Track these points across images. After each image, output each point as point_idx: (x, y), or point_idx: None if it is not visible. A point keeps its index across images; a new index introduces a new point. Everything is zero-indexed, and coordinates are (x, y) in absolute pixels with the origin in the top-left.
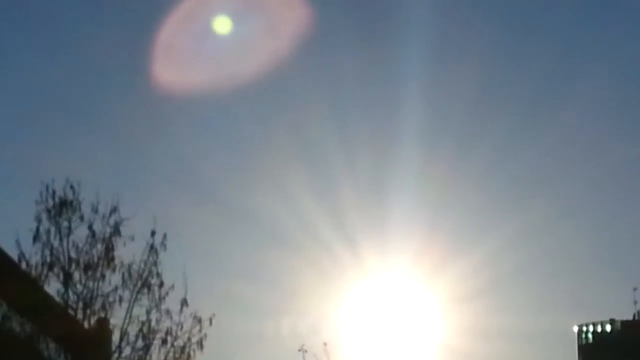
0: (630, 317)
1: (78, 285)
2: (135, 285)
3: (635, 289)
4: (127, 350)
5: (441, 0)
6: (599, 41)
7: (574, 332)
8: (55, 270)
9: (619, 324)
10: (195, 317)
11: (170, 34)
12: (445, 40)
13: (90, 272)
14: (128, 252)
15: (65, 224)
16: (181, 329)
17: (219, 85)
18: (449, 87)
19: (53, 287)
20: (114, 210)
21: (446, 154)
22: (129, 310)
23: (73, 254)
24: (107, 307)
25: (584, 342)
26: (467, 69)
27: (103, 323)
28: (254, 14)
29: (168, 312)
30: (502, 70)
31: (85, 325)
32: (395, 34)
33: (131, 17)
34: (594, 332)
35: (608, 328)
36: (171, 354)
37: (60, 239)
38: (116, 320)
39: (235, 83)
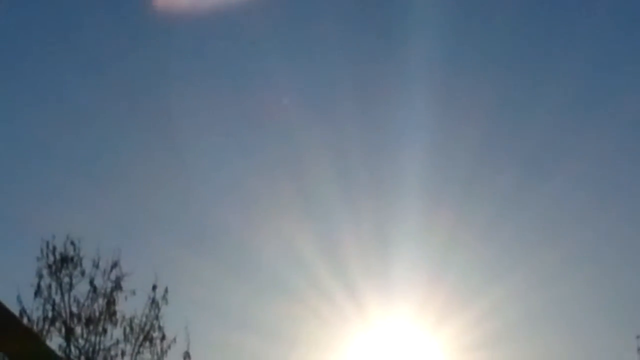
0: None
1: (80, 340)
2: (137, 339)
3: (638, 337)
4: None
5: (447, 43)
6: (608, 90)
7: None
8: (57, 325)
9: None
10: None
11: None
12: (451, 85)
13: (91, 327)
14: (129, 306)
15: (66, 279)
16: None
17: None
18: (454, 134)
19: (55, 342)
20: (115, 265)
21: (451, 203)
22: None
23: (74, 309)
24: None
25: None
26: (472, 117)
27: None
28: None
29: None
30: (508, 118)
31: None
32: (399, 78)
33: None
34: None
35: None
36: None
37: (62, 294)
38: None
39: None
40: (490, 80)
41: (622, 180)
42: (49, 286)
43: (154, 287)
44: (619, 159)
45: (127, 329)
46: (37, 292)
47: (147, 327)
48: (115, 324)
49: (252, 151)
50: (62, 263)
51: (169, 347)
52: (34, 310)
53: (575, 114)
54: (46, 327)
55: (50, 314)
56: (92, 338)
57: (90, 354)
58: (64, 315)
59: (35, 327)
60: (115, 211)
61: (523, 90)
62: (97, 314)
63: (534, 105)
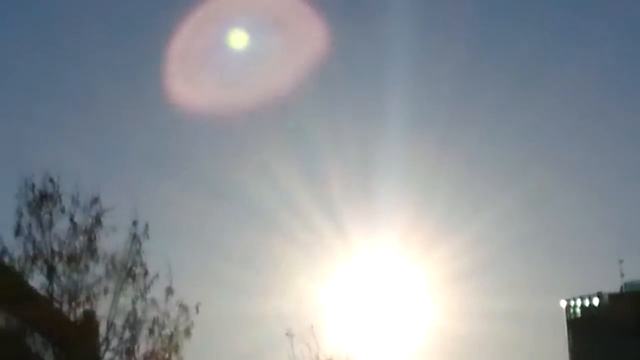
0: (618, 290)
1: (62, 278)
2: (119, 275)
3: (621, 262)
4: (114, 342)
5: None
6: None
7: (562, 308)
8: (39, 263)
9: (607, 298)
10: (181, 306)
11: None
12: (431, 27)
13: (73, 264)
14: (111, 242)
15: (46, 217)
16: (168, 317)
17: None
18: (435, 71)
19: (37, 280)
20: (94, 201)
21: (433, 134)
22: (115, 301)
23: (56, 247)
24: (92, 298)
25: (572, 317)
26: (452, 57)
27: (89, 315)
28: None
29: (154, 301)
30: (485, 58)
31: (71, 317)
32: (381, 13)
33: None
34: (582, 307)
35: (596, 302)
36: (159, 344)
37: (42, 232)
38: (102, 311)
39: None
40: (469, 25)
41: (611, 102)
42: (29, 224)
43: (135, 223)
44: (597, 92)
45: (109, 266)
46: (18, 231)
47: (129, 264)
48: (97, 261)
49: (232, 83)
50: (42, 200)
51: (151, 282)
52: (15, 248)
53: (553, 49)
54: (28, 265)
55: (31, 253)
56: (74, 276)
57: (73, 292)
58: (45, 253)
59: (17, 266)
60: (93, 146)
61: (501, 31)
62: (78, 251)
63: (512, 41)
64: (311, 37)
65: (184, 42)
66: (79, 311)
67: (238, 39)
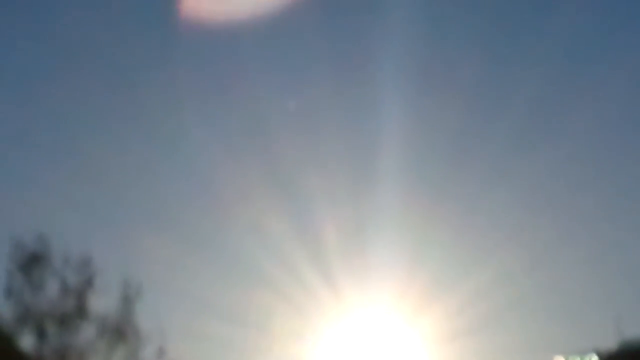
0: (615, 347)
1: (52, 338)
2: (110, 335)
3: (618, 318)
4: None
5: (424, 32)
6: (586, 76)
7: None
8: (29, 324)
9: (605, 355)
10: None
11: None
12: (427, 77)
13: (64, 325)
14: (102, 302)
15: (37, 277)
16: None
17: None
18: (430, 125)
19: (27, 341)
20: (86, 262)
21: (428, 192)
22: None
23: (46, 308)
24: (83, 359)
25: None
26: (448, 109)
27: None
28: None
29: None
30: (482, 111)
31: None
32: (377, 70)
33: None
34: None
35: (594, 359)
36: None
37: (33, 293)
38: None
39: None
40: (469, 70)
41: (604, 166)
42: (20, 286)
43: (126, 284)
44: (598, 147)
45: (100, 327)
46: (8, 292)
47: (120, 324)
48: (88, 321)
49: (221, 132)
50: (33, 261)
51: (143, 342)
52: (6, 309)
53: (553, 103)
54: (18, 326)
55: (22, 313)
56: (65, 336)
57: (63, 352)
58: (35, 314)
59: (7, 328)
60: (85, 204)
61: (500, 79)
62: (69, 311)
63: (510, 96)
64: None
65: None
66: None
67: None
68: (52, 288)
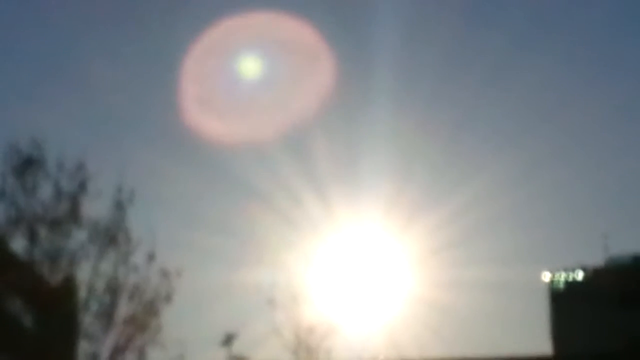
0: (601, 264)
1: (44, 242)
2: (102, 241)
3: (605, 235)
4: (94, 306)
5: None
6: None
7: (545, 281)
8: (21, 227)
9: (591, 271)
10: (162, 271)
11: None
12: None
13: (56, 229)
14: (95, 208)
15: (30, 181)
16: (149, 283)
17: None
18: (421, 40)
19: (19, 244)
20: (80, 166)
21: (418, 106)
22: (96, 266)
23: (39, 211)
24: (74, 263)
25: (555, 289)
26: (440, 21)
27: (69, 279)
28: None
29: (135, 267)
30: (477, 22)
31: (52, 281)
32: None
33: None
34: (566, 280)
35: (579, 275)
36: (139, 308)
37: (26, 197)
38: (83, 276)
39: None
40: None
41: (588, 84)
42: (13, 189)
43: (119, 189)
44: (583, 63)
45: (92, 231)
46: (1, 195)
47: (112, 230)
48: (80, 226)
49: (222, 52)
50: (27, 165)
51: (134, 248)
52: None
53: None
54: (10, 229)
55: (14, 216)
56: (57, 240)
57: (54, 257)
58: (28, 217)
59: None
60: (80, 111)
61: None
62: (61, 216)
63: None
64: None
65: None
66: (60, 276)
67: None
68: (45, 192)
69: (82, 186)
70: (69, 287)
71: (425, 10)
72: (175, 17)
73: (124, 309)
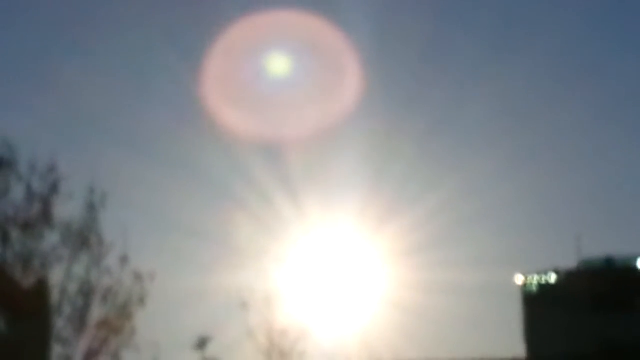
0: (574, 266)
1: (16, 244)
2: (74, 243)
3: (578, 238)
4: (67, 309)
5: None
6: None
7: (518, 284)
8: None
9: (563, 274)
10: (135, 275)
11: None
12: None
13: (28, 231)
14: (67, 210)
15: (2, 183)
16: (122, 286)
17: None
18: (396, 38)
19: None
20: (52, 168)
21: (390, 107)
22: (69, 268)
23: (11, 213)
24: (47, 266)
25: (528, 292)
26: (415, 19)
27: (42, 282)
28: None
29: (108, 269)
30: (454, 20)
31: (25, 284)
32: None
33: None
34: (539, 282)
35: (552, 278)
36: (112, 311)
37: None
38: (56, 279)
39: None
40: None
41: (564, 87)
42: None
43: (91, 191)
44: (562, 63)
45: (65, 234)
46: None
47: (84, 231)
48: (52, 228)
49: (193, 57)
50: None
51: (106, 251)
52: None
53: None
54: None
55: None
56: (29, 243)
57: (26, 259)
58: (0, 219)
59: None
60: (52, 113)
61: None
62: (33, 218)
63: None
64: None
65: None
66: (33, 278)
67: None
68: (17, 194)
69: (53, 188)
70: (41, 289)
71: (399, 10)
72: (154, 18)
73: (97, 312)
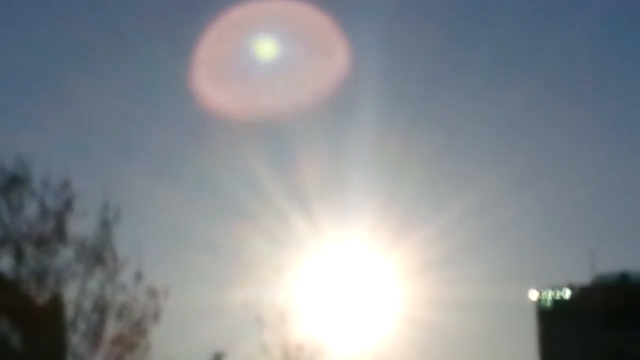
0: (588, 282)
1: (31, 261)
2: (88, 259)
3: (592, 253)
4: (82, 325)
5: None
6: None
7: (533, 299)
8: (7, 246)
9: (578, 289)
10: (150, 291)
11: None
12: (405, 11)
13: (42, 248)
14: (81, 226)
15: (16, 200)
16: (136, 302)
17: None
18: (406, 60)
19: (5, 263)
20: (65, 185)
21: (403, 125)
22: (83, 285)
23: (25, 230)
24: (61, 282)
25: (542, 307)
26: (423, 43)
27: (56, 298)
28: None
29: (123, 286)
30: (459, 44)
31: (39, 301)
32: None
33: None
34: (553, 298)
35: (567, 293)
36: (127, 328)
37: (12, 215)
38: (70, 295)
39: None
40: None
41: (573, 103)
42: None
43: (105, 207)
44: (571, 79)
45: (79, 250)
46: None
47: (98, 248)
48: (66, 244)
49: (208, 68)
50: (12, 183)
51: (121, 267)
52: None
53: (527, 37)
54: None
55: (0, 236)
56: (43, 259)
57: (41, 275)
58: (14, 236)
59: None
60: (65, 130)
61: (476, 10)
62: (47, 234)
63: (487, 24)
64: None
65: None
66: (47, 295)
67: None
68: (30, 211)
69: (67, 204)
70: (56, 306)
71: (409, 28)
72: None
73: (111, 328)
